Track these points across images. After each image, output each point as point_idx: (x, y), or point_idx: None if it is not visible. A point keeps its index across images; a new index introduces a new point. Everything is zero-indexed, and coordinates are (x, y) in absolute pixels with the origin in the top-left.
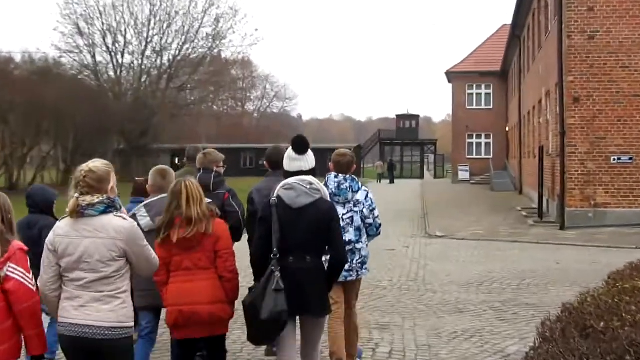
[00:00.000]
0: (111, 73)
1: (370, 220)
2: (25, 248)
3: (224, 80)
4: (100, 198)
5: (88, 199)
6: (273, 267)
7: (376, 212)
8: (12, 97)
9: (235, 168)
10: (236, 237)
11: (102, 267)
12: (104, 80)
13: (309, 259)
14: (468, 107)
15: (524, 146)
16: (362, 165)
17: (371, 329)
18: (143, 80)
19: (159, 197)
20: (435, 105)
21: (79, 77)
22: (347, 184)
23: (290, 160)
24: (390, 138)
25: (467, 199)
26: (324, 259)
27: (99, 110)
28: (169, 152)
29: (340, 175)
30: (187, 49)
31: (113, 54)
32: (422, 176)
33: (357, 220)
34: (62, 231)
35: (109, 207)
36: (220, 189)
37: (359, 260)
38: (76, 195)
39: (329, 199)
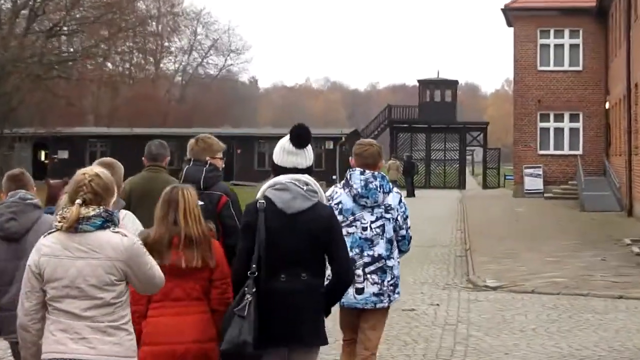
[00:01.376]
0: None
1: (403, 232)
2: None
3: (126, 20)
4: (97, 210)
5: (83, 210)
6: (247, 288)
7: (409, 222)
8: None
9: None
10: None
11: (98, 293)
12: None
13: (304, 277)
14: (541, 68)
15: (635, 135)
16: None
17: None
18: None
19: None
20: (484, 66)
21: None
22: (377, 183)
23: (285, 153)
24: (408, 120)
25: (540, 224)
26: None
27: None
28: (31, 141)
29: (367, 171)
30: None
31: None
32: (462, 185)
33: (390, 230)
34: (49, 250)
35: (107, 222)
36: (215, 188)
37: (391, 282)
38: (78, 201)
39: (327, 203)
